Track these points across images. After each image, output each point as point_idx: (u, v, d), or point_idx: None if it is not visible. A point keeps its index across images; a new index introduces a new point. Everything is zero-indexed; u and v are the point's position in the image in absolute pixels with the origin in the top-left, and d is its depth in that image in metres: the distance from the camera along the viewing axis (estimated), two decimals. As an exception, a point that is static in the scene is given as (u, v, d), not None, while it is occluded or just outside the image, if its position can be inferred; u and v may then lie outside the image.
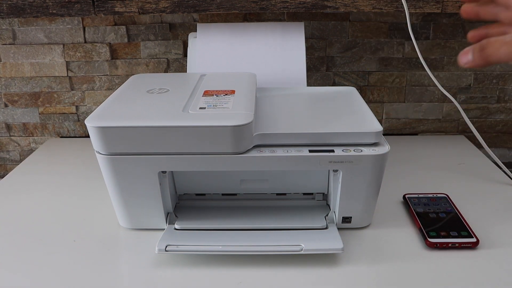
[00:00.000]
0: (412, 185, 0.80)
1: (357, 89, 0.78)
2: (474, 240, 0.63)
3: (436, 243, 0.63)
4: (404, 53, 1.00)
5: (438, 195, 0.75)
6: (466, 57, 0.39)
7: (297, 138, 0.61)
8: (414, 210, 0.71)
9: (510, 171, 0.84)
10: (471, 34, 0.44)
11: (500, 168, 0.85)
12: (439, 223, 0.67)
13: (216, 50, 0.85)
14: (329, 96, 0.75)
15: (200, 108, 0.62)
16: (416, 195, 0.75)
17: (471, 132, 0.86)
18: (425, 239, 0.64)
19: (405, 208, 0.74)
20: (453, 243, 0.63)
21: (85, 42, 0.99)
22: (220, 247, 0.61)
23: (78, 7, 0.85)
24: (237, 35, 0.86)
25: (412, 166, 0.88)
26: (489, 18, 0.45)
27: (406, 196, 0.75)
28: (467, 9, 0.45)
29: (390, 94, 1.03)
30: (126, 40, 0.99)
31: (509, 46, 0.35)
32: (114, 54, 1.00)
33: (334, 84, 1.03)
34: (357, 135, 0.61)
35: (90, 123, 0.58)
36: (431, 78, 0.83)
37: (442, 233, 0.65)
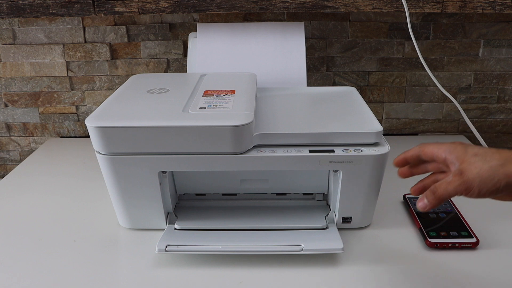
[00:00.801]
0: (412, 185, 0.80)
1: (357, 89, 0.78)
2: (474, 240, 0.63)
3: (436, 243, 0.63)
4: (404, 53, 1.00)
5: None
6: (423, 203, 0.49)
7: (297, 138, 0.61)
8: (414, 210, 0.71)
9: (510, 171, 0.84)
10: (413, 190, 0.56)
11: (500, 168, 0.85)
12: (439, 223, 0.67)
13: (216, 50, 0.85)
14: (329, 96, 0.75)
15: (200, 108, 0.62)
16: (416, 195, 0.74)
17: (471, 132, 0.86)
18: (425, 239, 0.64)
19: (405, 208, 0.74)
20: (453, 243, 0.63)
21: (85, 42, 0.99)
22: (220, 247, 0.61)
23: (78, 7, 0.85)
24: (237, 35, 0.86)
25: (412, 166, 0.88)
26: (421, 173, 0.57)
27: (406, 196, 0.75)
28: (403, 172, 0.58)
29: (390, 94, 1.03)
30: (126, 40, 0.99)
31: (452, 184, 0.47)
32: (114, 54, 1.00)
33: (334, 84, 1.03)
34: (357, 135, 0.61)
35: (90, 123, 0.58)
36: (431, 78, 0.83)
37: (442, 233, 0.65)
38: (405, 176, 0.58)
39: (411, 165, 0.57)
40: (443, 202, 0.49)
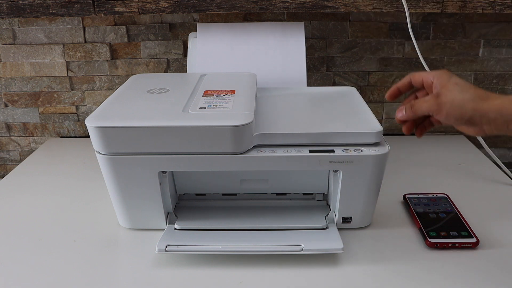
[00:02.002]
0: (412, 185, 0.80)
1: (357, 89, 0.78)
2: (474, 240, 0.63)
3: (436, 243, 0.63)
4: (404, 53, 1.00)
5: (438, 195, 0.75)
6: (401, 113, 0.59)
7: (297, 138, 0.61)
8: (414, 210, 0.71)
9: (510, 171, 0.84)
10: (388, 94, 0.64)
11: (500, 168, 0.85)
12: (439, 223, 0.67)
13: (216, 50, 0.85)
14: (329, 96, 0.75)
15: (200, 108, 0.62)
16: (416, 195, 0.75)
17: (471, 132, 0.86)
18: (425, 239, 0.64)
19: (405, 208, 0.74)
20: (453, 243, 0.63)
21: (85, 42, 0.99)
22: (220, 247, 0.61)
23: (78, 7, 0.85)
24: (237, 35, 0.86)
25: (412, 166, 0.88)
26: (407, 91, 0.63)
27: (406, 196, 0.75)
28: (392, 94, 0.63)
29: (390, 94, 1.03)
30: (126, 40, 0.99)
31: (428, 102, 0.55)
32: (114, 54, 1.00)
33: (334, 84, 1.03)
34: (357, 135, 0.61)
35: (90, 123, 0.58)
36: (431, 78, 0.83)
37: (442, 233, 0.64)
38: (393, 97, 0.64)
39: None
40: (417, 116, 0.57)
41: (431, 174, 0.85)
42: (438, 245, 0.63)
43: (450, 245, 0.63)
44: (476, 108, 0.51)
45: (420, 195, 0.75)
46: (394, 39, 0.99)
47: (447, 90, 0.54)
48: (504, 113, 0.50)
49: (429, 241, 0.63)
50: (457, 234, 0.64)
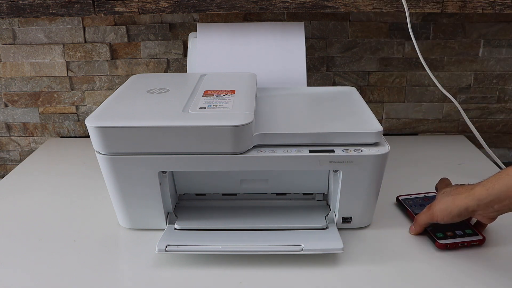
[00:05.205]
0: (412, 185, 0.80)
1: (357, 89, 0.78)
2: (480, 237, 0.63)
3: (446, 244, 0.62)
4: (404, 53, 1.00)
5: (429, 194, 0.74)
6: (412, 230, 0.67)
7: (297, 138, 0.61)
8: (412, 212, 0.70)
9: (510, 171, 0.84)
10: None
11: (500, 168, 0.85)
12: (440, 223, 0.67)
13: (216, 50, 0.85)
14: (329, 96, 0.75)
15: (200, 108, 0.62)
16: (409, 196, 0.74)
17: (471, 132, 0.86)
18: (434, 241, 0.63)
19: (405, 208, 0.74)
20: (462, 242, 0.62)
21: (85, 42, 0.99)
22: (220, 247, 0.61)
23: (78, 7, 0.85)
24: (237, 35, 0.86)
25: (412, 166, 0.88)
26: None
27: (400, 198, 0.74)
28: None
29: (390, 94, 1.03)
30: (126, 40, 0.99)
31: (425, 215, 0.64)
32: (114, 54, 1.00)
33: (334, 84, 1.03)
34: (357, 135, 0.61)
35: (90, 123, 0.58)
36: (431, 78, 0.83)
37: (448, 233, 0.64)
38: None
39: None
40: (423, 228, 0.65)
41: (431, 174, 0.85)
42: (449, 246, 0.62)
43: (459, 244, 0.62)
44: (457, 204, 0.59)
45: (413, 196, 0.74)
46: (394, 39, 0.99)
47: (436, 200, 0.63)
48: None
49: (439, 242, 0.62)
50: (462, 233, 0.64)
